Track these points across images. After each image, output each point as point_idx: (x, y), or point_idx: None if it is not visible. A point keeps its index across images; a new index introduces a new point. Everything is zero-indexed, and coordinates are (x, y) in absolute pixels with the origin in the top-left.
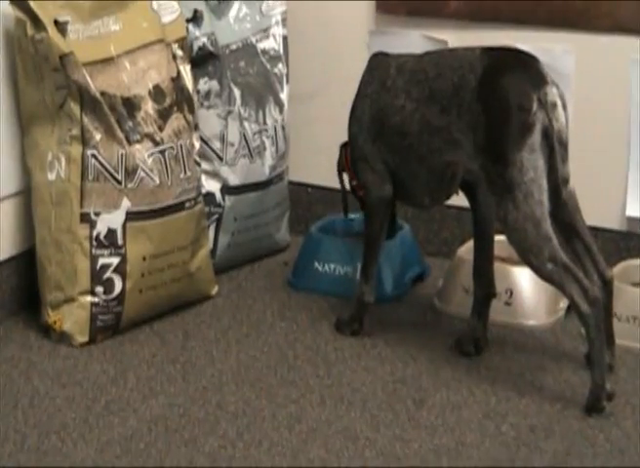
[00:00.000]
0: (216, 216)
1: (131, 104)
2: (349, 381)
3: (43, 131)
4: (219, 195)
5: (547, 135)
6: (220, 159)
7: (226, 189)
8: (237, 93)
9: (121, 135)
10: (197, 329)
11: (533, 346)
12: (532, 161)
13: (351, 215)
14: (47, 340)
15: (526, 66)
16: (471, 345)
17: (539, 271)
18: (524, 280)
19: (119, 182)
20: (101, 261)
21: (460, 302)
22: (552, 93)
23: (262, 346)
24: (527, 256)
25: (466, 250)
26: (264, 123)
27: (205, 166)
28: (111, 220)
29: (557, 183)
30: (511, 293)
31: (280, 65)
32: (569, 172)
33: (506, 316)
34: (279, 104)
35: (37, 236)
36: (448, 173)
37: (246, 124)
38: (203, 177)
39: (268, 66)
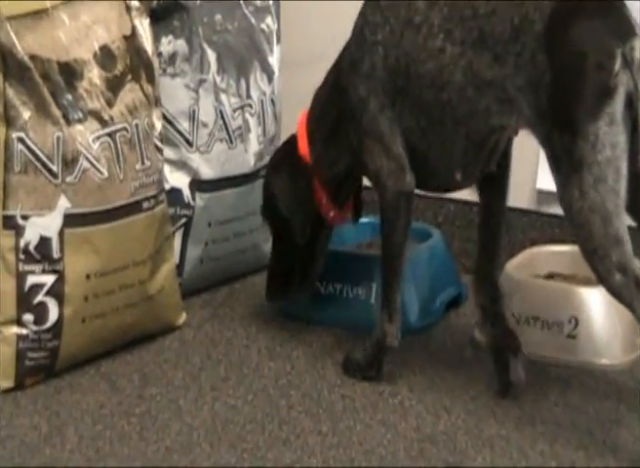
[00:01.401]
0: (183, 221)
1: (70, 72)
2: (361, 440)
3: None
4: (187, 192)
5: (631, 103)
6: (190, 144)
7: (197, 184)
8: (212, 56)
9: (57, 112)
10: (159, 370)
11: (605, 393)
12: (610, 135)
13: (363, 219)
14: None
15: (609, 10)
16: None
17: (604, 281)
18: (593, 305)
19: (54, 175)
20: (31, 280)
21: None
22: None
23: (246, 394)
24: (591, 260)
25: (519, 265)
26: (248, 96)
27: (169, 153)
28: (44, 226)
29: (638, 168)
30: (577, 323)
31: (269, 20)
32: None
33: (570, 353)
34: (267, 72)
35: None
36: (491, 140)
37: (223, 97)
38: (167, 169)
39: (253, 21)
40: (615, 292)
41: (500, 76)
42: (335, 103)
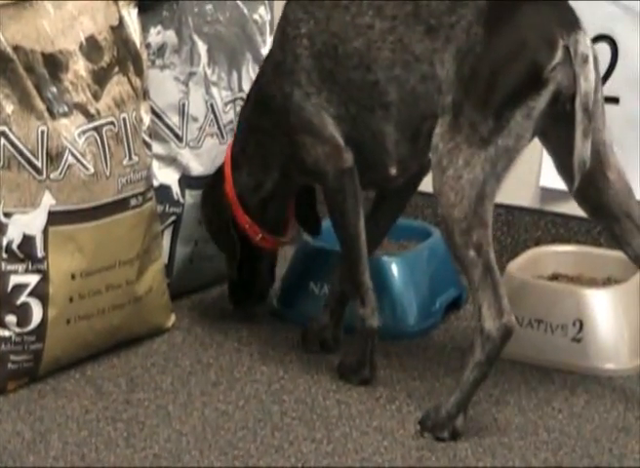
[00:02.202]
0: (173, 219)
1: (55, 63)
2: (357, 448)
3: None
4: (176, 189)
5: (562, 99)
6: (179, 139)
7: (187, 181)
8: (202, 48)
9: (41, 105)
10: (147, 374)
11: (611, 399)
12: (521, 128)
13: None
14: None
15: (556, 0)
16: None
17: (456, 251)
18: (599, 307)
19: (38, 171)
20: (14, 280)
21: (513, 337)
22: (585, 42)
23: (237, 399)
24: (451, 228)
25: (522, 265)
26: (240, 89)
27: (158, 149)
28: (28, 224)
29: (573, 165)
30: (581, 326)
31: (262, 10)
32: (588, 152)
33: (575, 357)
34: (260, 64)
35: None
36: (423, 130)
37: (214, 90)
38: (155, 165)
39: (245, 11)
40: (462, 266)
41: (430, 50)
42: (259, 119)
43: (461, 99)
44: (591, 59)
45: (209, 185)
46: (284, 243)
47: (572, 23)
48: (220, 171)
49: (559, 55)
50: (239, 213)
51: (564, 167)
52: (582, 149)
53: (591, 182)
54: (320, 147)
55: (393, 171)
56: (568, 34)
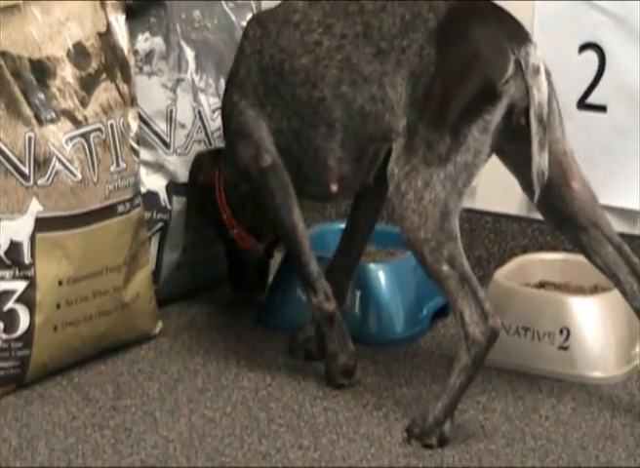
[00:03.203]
0: (160, 225)
1: (42, 69)
2: (345, 455)
3: None
4: (164, 195)
5: (516, 112)
6: (167, 146)
7: (175, 188)
8: (190, 54)
9: (29, 111)
10: (134, 381)
11: (598, 407)
12: (477, 142)
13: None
14: None
15: (505, 15)
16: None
17: (430, 269)
18: (586, 315)
19: (26, 178)
20: (1, 287)
21: (500, 345)
22: (535, 54)
23: (224, 406)
24: (420, 248)
25: (509, 273)
26: None
27: (145, 155)
28: (15, 230)
29: (532, 177)
30: (568, 334)
31: (250, 16)
32: (546, 163)
33: (562, 365)
34: None
35: None
36: (369, 151)
37: (202, 97)
38: (143, 171)
39: (233, 18)
40: (438, 281)
41: (379, 72)
42: (223, 125)
43: (416, 121)
44: (542, 70)
45: (203, 157)
46: (257, 248)
47: (521, 37)
48: (219, 152)
49: (511, 68)
50: (222, 201)
51: (525, 181)
52: (540, 160)
53: (556, 194)
54: (247, 150)
55: (334, 188)
56: (518, 47)
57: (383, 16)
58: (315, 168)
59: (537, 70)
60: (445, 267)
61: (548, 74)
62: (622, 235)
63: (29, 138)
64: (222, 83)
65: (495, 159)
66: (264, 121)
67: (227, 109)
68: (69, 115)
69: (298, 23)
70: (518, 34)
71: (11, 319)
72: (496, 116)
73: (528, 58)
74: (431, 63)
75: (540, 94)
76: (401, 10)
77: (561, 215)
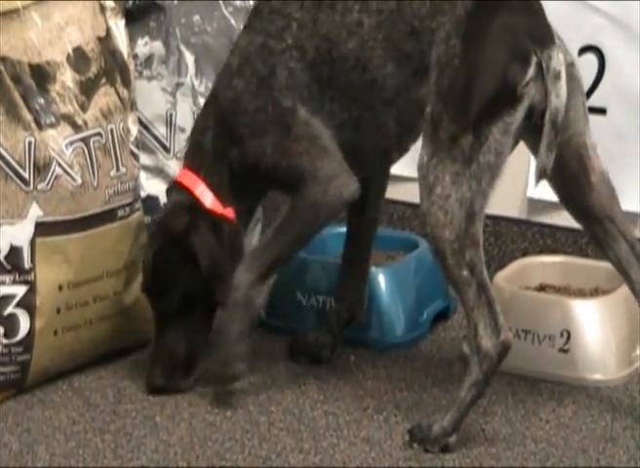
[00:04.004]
0: None
1: (42, 74)
2: (345, 459)
3: None
4: (164, 200)
5: (535, 114)
6: (167, 150)
7: None
8: (190, 58)
9: (28, 116)
10: (134, 385)
11: (599, 410)
12: (499, 144)
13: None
14: None
15: (533, 13)
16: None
17: (449, 271)
18: (586, 318)
19: (26, 182)
20: (1, 291)
21: None
22: (558, 58)
23: (225, 409)
24: (442, 249)
25: (509, 276)
26: None
27: (145, 160)
28: (15, 235)
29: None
30: (569, 337)
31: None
32: (551, 163)
33: (562, 368)
34: None
35: None
36: (417, 113)
37: (202, 101)
38: (143, 176)
39: (233, 22)
40: (456, 285)
41: (419, 49)
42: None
43: (440, 112)
44: (563, 75)
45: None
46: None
47: (546, 38)
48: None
49: (532, 70)
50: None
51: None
52: (545, 161)
53: (574, 185)
54: (327, 161)
55: (395, 155)
56: (541, 50)
57: None
58: (378, 144)
59: (557, 75)
60: (465, 272)
61: (573, 65)
62: None
63: (29, 143)
64: None
65: None
66: (330, 121)
67: (285, 117)
68: (69, 120)
69: (333, 4)
70: (543, 35)
71: (11, 324)
72: (516, 118)
73: (550, 63)
74: (456, 56)
75: (557, 99)
76: None
77: (579, 207)
